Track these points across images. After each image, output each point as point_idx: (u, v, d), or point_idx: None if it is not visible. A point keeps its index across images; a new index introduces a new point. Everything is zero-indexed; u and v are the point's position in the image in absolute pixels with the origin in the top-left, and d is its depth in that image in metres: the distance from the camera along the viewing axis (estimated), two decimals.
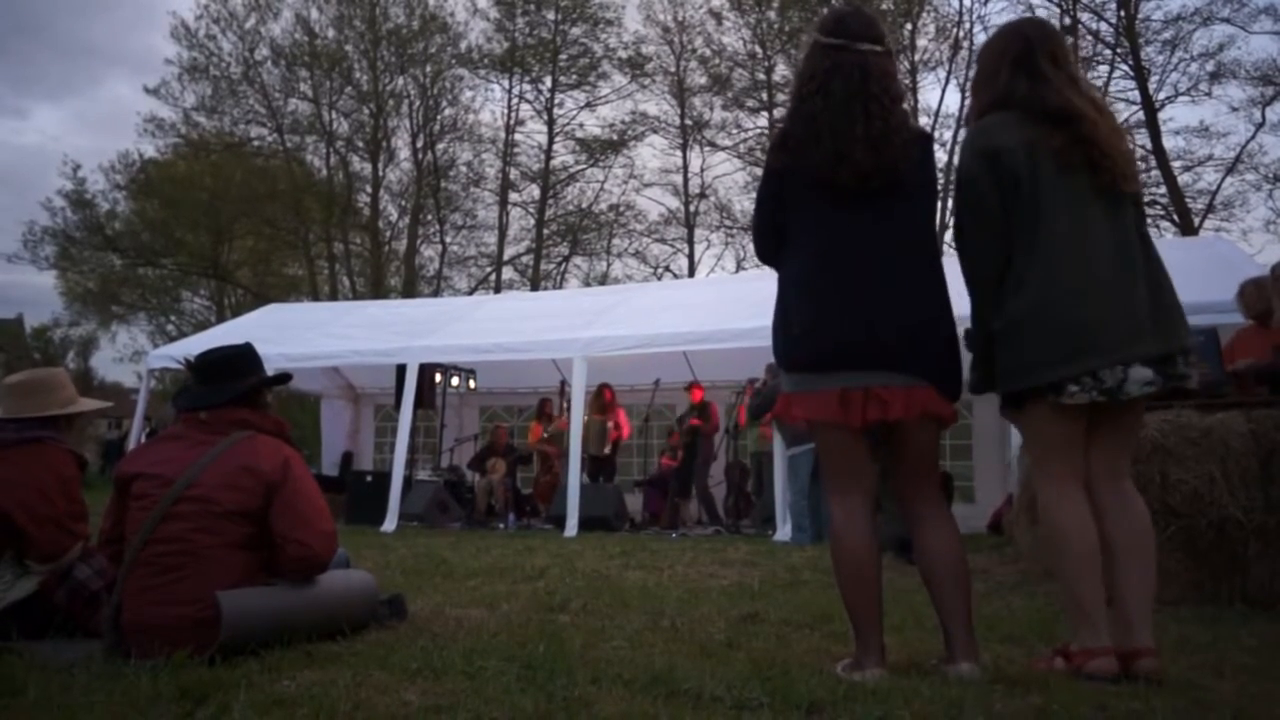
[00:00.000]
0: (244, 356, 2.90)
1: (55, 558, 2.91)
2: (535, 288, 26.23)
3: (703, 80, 26.88)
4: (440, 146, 28.05)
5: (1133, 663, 2.21)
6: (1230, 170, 21.29)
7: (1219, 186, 21.49)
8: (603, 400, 10.55)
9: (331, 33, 27.61)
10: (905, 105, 2.49)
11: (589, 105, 27.86)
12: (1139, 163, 19.81)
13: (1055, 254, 2.31)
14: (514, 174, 28.04)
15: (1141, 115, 20.61)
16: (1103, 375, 2.24)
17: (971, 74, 3.04)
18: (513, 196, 28.18)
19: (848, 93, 2.36)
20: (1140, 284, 2.30)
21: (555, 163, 27.89)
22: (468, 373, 11.68)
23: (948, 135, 22.81)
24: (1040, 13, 20.09)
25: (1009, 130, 2.38)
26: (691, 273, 26.56)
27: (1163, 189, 20.80)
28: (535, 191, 28.00)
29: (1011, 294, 2.35)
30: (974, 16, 22.66)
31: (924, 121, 21.94)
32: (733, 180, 27.98)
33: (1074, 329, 2.26)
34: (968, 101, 3.05)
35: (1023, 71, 2.41)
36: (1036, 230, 2.33)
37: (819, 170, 2.36)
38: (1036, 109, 2.37)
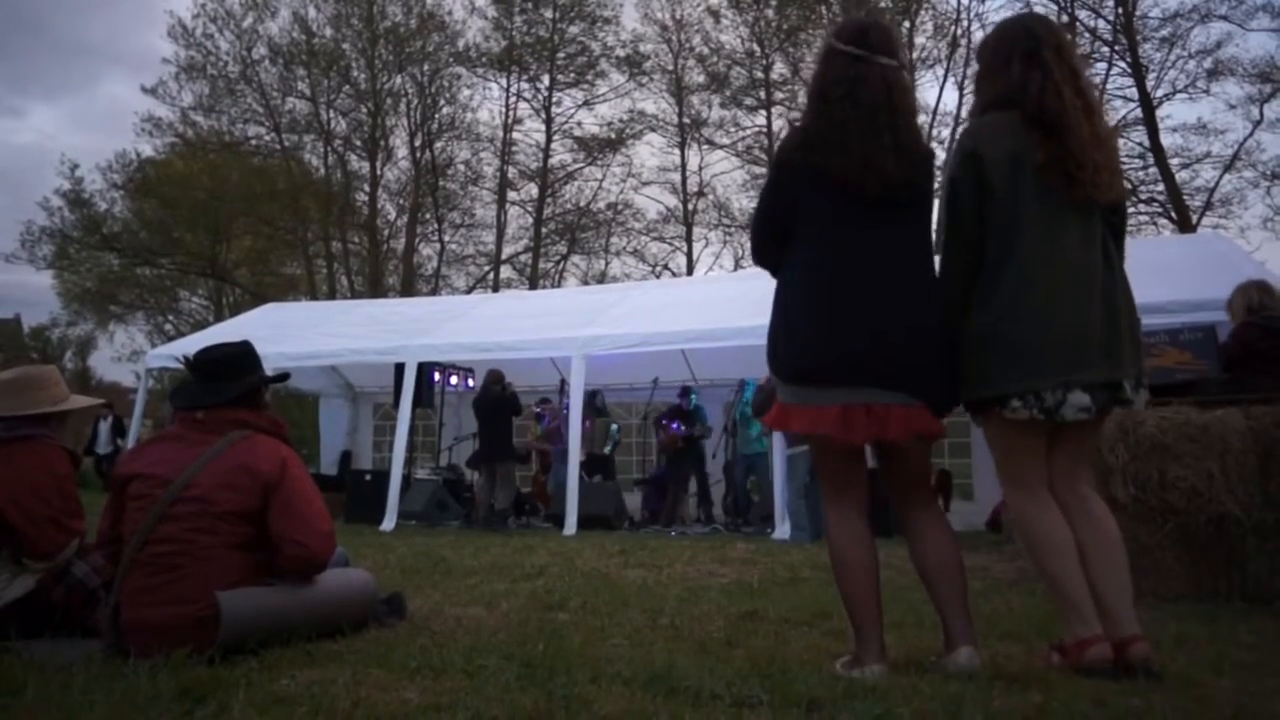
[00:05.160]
0: (243, 355, 2.89)
1: (51, 555, 2.91)
2: (534, 286, 26.20)
3: (701, 78, 26.88)
4: (438, 145, 28.00)
5: (1126, 650, 2.23)
6: (1228, 167, 21.27)
7: (1217, 184, 21.50)
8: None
9: (329, 31, 27.53)
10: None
11: (587, 104, 27.84)
12: (1135, 160, 19.93)
13: (1022, 272, 2.34)
14: (512, 172, 28.02)
15: (1139, 112, 20.61)
16: (1044, 395, 2.30)
17: (971, 71, 3.04)
18: (511, 195, 28.16)
19: (875, 104, 2.37)
20: (1097, 307, 2.33)
21: (553, 161, 27.87)
22: (466, 371, 11.68)
23: (945, 134, 22.82)
24: (1038, 9, 20.07)
25: (999, 138, 2.39)
26: (690, 271, 26.55)
27: (1160, 186, 20.81)
28: (533, 190, 27.99)
29: (979, 307, 2.38)
30: (972, 14, 22.62)
31: (921, 119, 21.89)
32: (731, 179, 27.96)
33: (1025, 348, 2.31)
34: (967, 98, 2.99)
35: (1036, 67, 2.39)
36: (1008, 245, 2.36)
37: (845, 174, 2.35)
38: (1034, 111, 2.36)
